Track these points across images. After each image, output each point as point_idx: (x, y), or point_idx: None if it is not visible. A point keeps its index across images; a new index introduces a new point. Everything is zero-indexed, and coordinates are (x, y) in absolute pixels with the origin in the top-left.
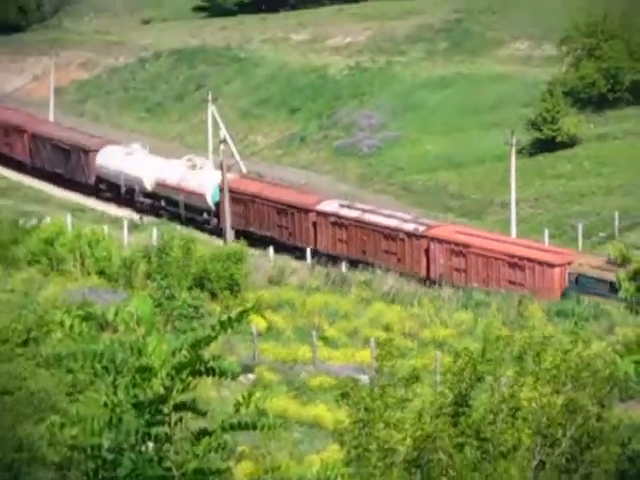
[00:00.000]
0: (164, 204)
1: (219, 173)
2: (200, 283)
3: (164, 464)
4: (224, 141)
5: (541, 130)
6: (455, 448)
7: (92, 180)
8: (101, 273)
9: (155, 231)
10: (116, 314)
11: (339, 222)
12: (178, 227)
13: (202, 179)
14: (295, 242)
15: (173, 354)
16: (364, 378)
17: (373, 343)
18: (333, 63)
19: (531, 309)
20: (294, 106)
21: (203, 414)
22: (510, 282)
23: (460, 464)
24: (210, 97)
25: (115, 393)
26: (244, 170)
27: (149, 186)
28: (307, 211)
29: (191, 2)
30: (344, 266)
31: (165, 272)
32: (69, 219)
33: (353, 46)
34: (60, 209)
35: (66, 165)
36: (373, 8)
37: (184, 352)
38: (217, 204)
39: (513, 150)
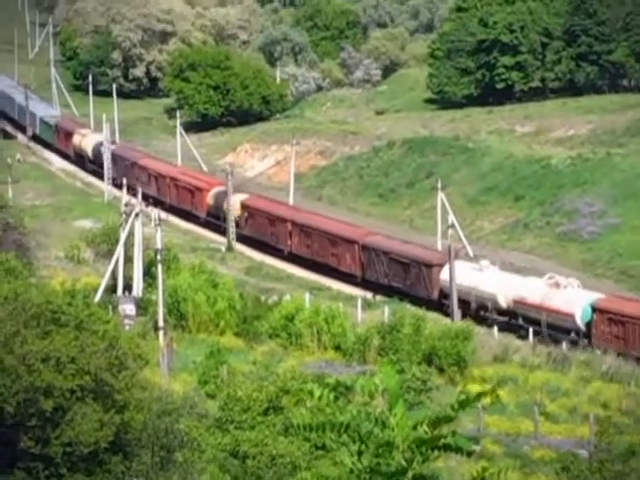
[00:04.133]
0: (522, 322)
1: (587, 292)
2: (429, 359)
3: None
4: (452, 226)
5: None
6: None
7: (435, 295)
8: (337, 348)
9: (387, 309)
10: (363, 385)
11: None
12: (408, 306)
13: (569, 298)
14: None
15: (414, 428)
16: (583, 452)
17: (592, 419)
18: (556, 154)
19: None
20: (518, 194)
21: None
22: None
23: None
24: (439, 184)
25: (360, 461)
26: (471, 253)
27: (504, 304)
28: None
29: (422, 95)
30: (564, 345)
31: (396, 347)
32: (307, 297)
33: (575, 138)
34: (299, 287)
35: (405, 279)
36: (595, 102)
37: (424, 427)
38: (587, 324)
39: None
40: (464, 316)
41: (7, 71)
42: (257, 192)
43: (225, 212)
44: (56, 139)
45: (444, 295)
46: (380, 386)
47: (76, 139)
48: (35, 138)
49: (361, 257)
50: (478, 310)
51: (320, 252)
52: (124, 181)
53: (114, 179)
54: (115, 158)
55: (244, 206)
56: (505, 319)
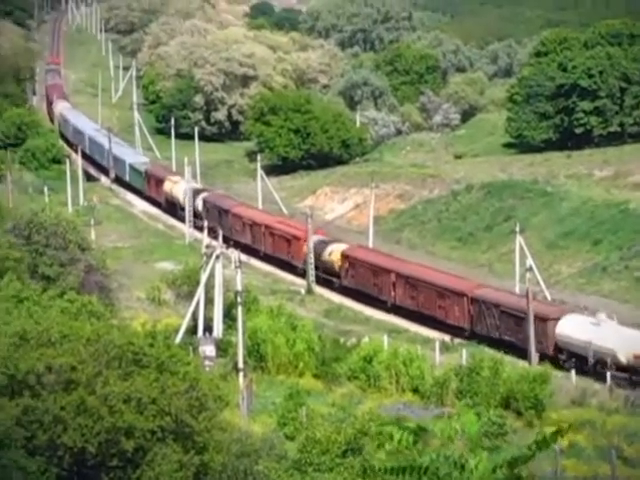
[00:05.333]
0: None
1: None
2: (506, 402)
3: None
4: (530, 269)
5: None
6: None
7: (550, 350)
8: (414, 390)
9: (465, 352)
10: (442, 429)
11: None
12: (486, 349)
13: None
14: None
15: (494, 471)
16: None
17: None
18: (634, 198)
19: None
20: (597, 238)
21: None
22: None
23: None
24: (518, 228)
25: None
26: (549, 297)
27: (624, 359)
28: None
29: (501, 139)
30: None
31: (474, 390)
32: (386, 339)
33: None
34: (377, 329)
35: (517, 332)
36: None
37: (503, 470)
38: None
39: None
40: (583, 372)
41: (91, 115)
42: (338, 235)
43: (325, 262)
44: (147, 186)
45: (559, 350)
46: (459, 430)
47: (167, 186)
48: (118, 181)
49: (470, 310)
50: (595, 366)
51: (426, 304)
52: (205, 223)
53: (194, 223)
54: (208, 206)
55: (345, 256)
56: (626, 375)
